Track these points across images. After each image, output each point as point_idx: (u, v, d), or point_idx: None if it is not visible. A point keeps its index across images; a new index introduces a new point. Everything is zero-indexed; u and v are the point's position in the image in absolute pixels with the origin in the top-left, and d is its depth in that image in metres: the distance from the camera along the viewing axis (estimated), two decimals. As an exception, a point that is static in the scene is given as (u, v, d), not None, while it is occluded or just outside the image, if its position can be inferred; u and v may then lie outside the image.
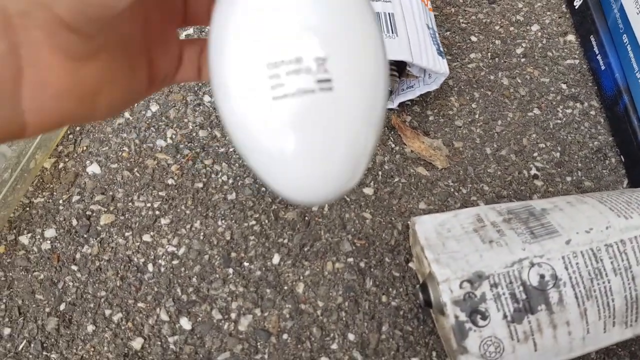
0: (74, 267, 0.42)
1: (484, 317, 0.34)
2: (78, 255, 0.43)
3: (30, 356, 0.39)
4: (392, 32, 0.47)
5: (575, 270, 0.34)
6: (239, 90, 0.19)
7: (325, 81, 0.19)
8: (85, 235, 0.43)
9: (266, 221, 0.44)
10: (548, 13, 0.60)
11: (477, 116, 0.51)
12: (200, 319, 0.40)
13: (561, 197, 0.41)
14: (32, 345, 0.39)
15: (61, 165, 0.47)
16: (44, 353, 0.39)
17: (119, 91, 0.24)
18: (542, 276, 0.34)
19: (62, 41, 0.20)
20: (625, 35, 0.51)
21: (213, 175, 0.46)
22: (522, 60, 0.56)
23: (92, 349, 0.39)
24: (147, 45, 0.26)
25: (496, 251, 0.36)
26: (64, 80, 0.21)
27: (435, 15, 0.59)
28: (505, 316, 0.34)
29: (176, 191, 0.45)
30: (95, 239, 0.43)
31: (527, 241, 0.36)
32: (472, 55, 0.56)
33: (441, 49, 0.49)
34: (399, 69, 0.49)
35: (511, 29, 0.59)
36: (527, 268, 0.34)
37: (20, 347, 0.39)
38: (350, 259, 0.43)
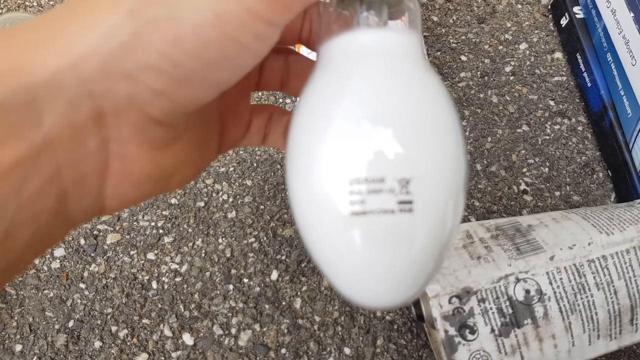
0: (82, 285, 0.44)
1: (473, 332, 0.36)
2: (86, 274, 0.44)
3: (40, 372, 0.41)
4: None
5: (560, 285, 0.36)
6: (318, 196, 0.20)
7: (406, 203, 0.18)
8: (92, 254, 0.45)
9: (265, 238, 0.46)
10: (536, 31, 0.62)
11: (467, 133, 0.53)
12: (202, 334, 0.42)
13: (547, 213, 0.43)
14: (41, 361, 0.41)
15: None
16: (53, 369, 0.41)
17: (192, 167, 0.25)
18: (527, 291, 0.36)
19: (149, 135, 0.21)
20: (609, 53, 0.53)
21: (214, 195, 0.48)
22: (511, 78, 0.58)
23: (99, 365, 0.41)
24: (220, 118, 0.27)
25: (484, 267, 0.37)
26: (146, 169, 0.22)
27: (426, 36, 0.61)
28: (492, 330, 0.36)
29: (179, 210, 0.47)
30: (102, 257, 0.45)
31: (513, 257, 0.37)
32: (462, 74, 0.58)
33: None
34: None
35: (500, 47, 0.60)
36: (513, 283, 0.36)
37: (30, 363, 0.41)
38: (346, 275, 0.45)
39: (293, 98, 0.54)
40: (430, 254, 0.20)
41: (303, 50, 0.47)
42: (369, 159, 0.19)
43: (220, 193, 0.48)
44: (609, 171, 0.52)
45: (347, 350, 0.42)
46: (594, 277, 0.36)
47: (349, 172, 0.19)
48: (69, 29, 0.18)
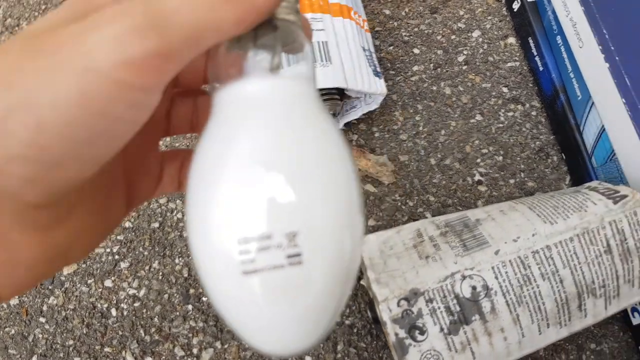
0: (42, 319, 0.44)
1: (422, 332, 0.36)
2: (45, 307, 0.45)
3: (6, 409, 0.41)
4: (326, 60, 0.48)
5: (505, 279, 0.36)
6: (212, 253, 0.20)
7: (294, 256, 0.19)
8: (50, 287, 0.45)
9: (222, 254, 0.46)
10: (489, 17, 0.62)
11: (421, 128, 0.53)
12: (164, 357, 0.42)
13: (496, 205, 0.43)
14: (7, 397, 0.42)
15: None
16: (19, 404, 0.41)
17: (95, 235, 0.24)
18: (473, 287, 0.36)
19: (30, 220, 0.20)
20: (558, 36, 0.53)
21: (168, 214, 0.48)
22: (464, 67, 0.58)
23: (64, 396, 0.41)
24: (126, 175, 0.26)
25: (431, 266, 0.38)
26: (35, 252, 0.21)
27: (378, 30, 0.61)
28: (442, 329, 0.36)
29: (134, 233, 0.47)
30: (60, 289, 0.45)
31: (459, 254, 0.37)
32: (415, 68, 0.58)
33: (378, 69, 0.51)
34: (340, 92, 0.51)
35: (452, 37, 0.60)
36: (459, 281, 0.36)
37: (-4, 400, 0.41)
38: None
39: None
40: (328, 298, 0.20)
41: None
42: (255, 216, 0.19)
43: (175, 212, 0.48)
44: (563, 154, 0.52)
45: (308, 359, 0.42)
46: (539, 268, 0.36)
47: (238, 231, 0.19)
48: None
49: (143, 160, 0.25)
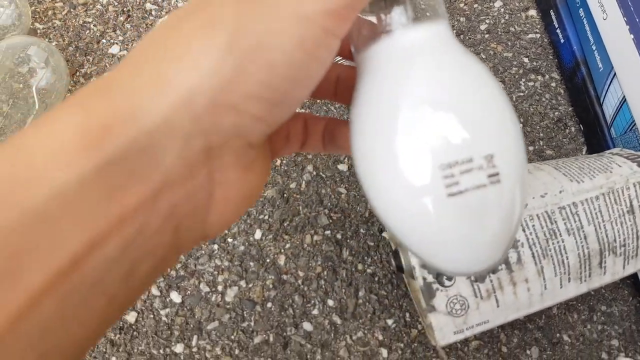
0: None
1: (450, 278, 0.37)
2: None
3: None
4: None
5: (532, 232, 0.37)
6: (407, 188, 0.21)
7: (494, 175, 0.21)
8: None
9: (247, 199, 0.47)
10: (511, -11, 0.63)
11: (444, 92, 0.54)
12: (189, 292, 0.43)
13: (521, 165, 0.44)
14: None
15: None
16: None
17: (265, 180, 0.26)
18: (501, 238, 0.37)
19: (245, 158, 0.22)
20: (581, 9, 0.54)
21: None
22: (486, 36, 0.59)
23: (89, 324, 0.42)
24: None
25: (460, 217, 0.39)
26: (240, 190, 0.23)
27: (402, -5, 0.62)
28: (469, 276, 0.37)
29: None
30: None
31: (488, 207, 0.39)
32: (439, 33, 0.58)
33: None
34: None
35: (475, 6, 0.61)
36: (488, 232, 0.37)
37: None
38: (328, 232, 0.46)
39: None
40: (515, 218, 0.22)
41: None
42: (452, 144, 0.20)
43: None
44: (580, 125, 0.53)
45: (330, 302, 0.43)
46: (565, 223, 0.37)
47: (438, 159, 0.20)
48: (171, 69, 0.19)
49: None
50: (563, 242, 0.37)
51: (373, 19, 0.24)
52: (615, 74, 0.49)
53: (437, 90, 0.21)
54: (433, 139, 0.21)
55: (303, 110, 0.51)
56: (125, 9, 0.56)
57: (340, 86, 0.30)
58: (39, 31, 0.54)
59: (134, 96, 0.19)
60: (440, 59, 0.23)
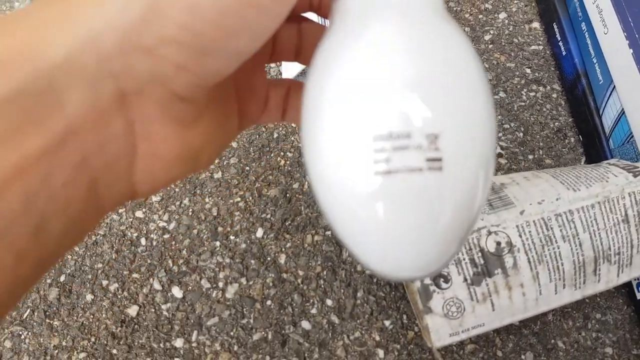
0: (72, 242, 0.45)
1: (447, 281, 0.38)
2: (76, 231, 0.46)
3: (35, 323, 0.42)
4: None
5: (528, 238, 0.38)
6: (337, 157, 0.18)
7: (435, 160, 0.17)
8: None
9: (250, 198, 0.48)
10: (515, 1, 0.64)
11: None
12: (190, 287, 0.44)
13: (519, 172, 0.45)
14: (35, 313, 0.43)
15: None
16: (47, 320, 0.43)
17: (218, 144, 0.24)
18: (498, 243, 0.38)
19: (174, 112, 0.20)
20: (583, 23, 0.55)
21: (200, 156, 0.50)
22: (490, 46, 0.60)
23: (92, 316, 0.43)
24: (237, 92, 0.25)
25: (459, 222, 0.39)
26: (173, 149, 0.21)
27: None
28: (465, 279, 0.38)
29: (166, 171, 0.49)
30: (92, 216, 0.47)
31: (485, 212, 0.39)
32: (443, 42, 0.59)
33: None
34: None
35: (480, 16, 0.62)
36: (485, 236, 0.38)
37: (25, 315, 0.43)
38: (329, 232, 0.47)
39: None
40: (460, 220, 0.18)
41: (314, 17, 0.48)
42: (394, 114, 0.17)
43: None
44: (580, 136, 0.54)
45: (329, 302, 0.44)
46: (561, 230, 0.38)
47: (373, 128, 0.17)
48: (77, 6, 0.17)
49: (252, 79, 0.25)
50: (558, 248, 0.38)
51: None
52: (614, 86, 0.50)
53: (395, 56, 0.18)
54: (373, 105, 0.17)
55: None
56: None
57: (304, 45, 0.27)
58: None
59: (36, 32, 0.17)
60: (409, 20, 0.19)
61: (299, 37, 0.27)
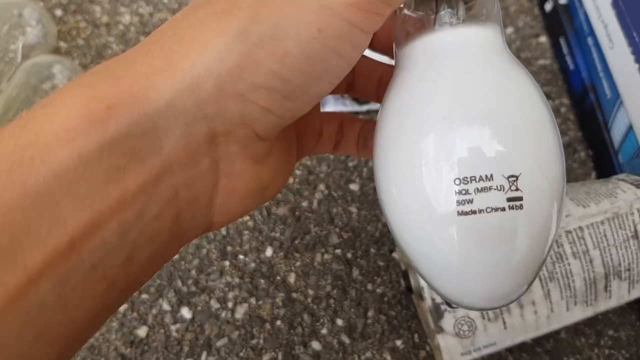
0: (83, 263, 0.46)
1: (458, 301, 0.38)
2: (86, 252, 0.46)
3: (45, 345, 0.42)
4: None
5: (539, 255, 0.38)
6: (420, 197, 0.19)
7: (516, 199, 0.18)
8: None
9: (259, 217, 0.48)
10: (522, 16, 0.64)
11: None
12: (199, 308, 0.44)
13: (529, 189, 0.45)
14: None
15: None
16: (57, 342, 0.43)
17: (283, 176, 0.26)
18: (509, 261, 0.38)
19: (251, 150, 0.22)
20: (589, 37, 0.55)
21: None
22: (497, 62, 0.60)
23: (101, 337, 0.43)
24: (296, 126, 0.27)
25: (468, 239, 0.39)
26: (248, 183, 0.23)
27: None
28: (476, 298, 0.38)
29: (175, 191, 0.49)
30: (101, 237, 0.47)
31: (495, 230, 0.39)
32: (450, 58, 0.59)
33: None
34: None
35: (486, 32, 0.62)
36: (496, 254, 0.38)
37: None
38: (338, 250, 0.47)
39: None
40: (535, 254, 0.19)
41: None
42: (474, 157, 0.18)
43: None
44: (589, 151, 0.54)
45: (339, 322, 0.44)
46: (571, 247, 0.38)
47: (455, 171, 0.18)
48: (179, 55, 0.19)
49: (308, 115, 0.27)
50: (569, 265, 0.38)
51: (419, 14, 0.23)
52: (622, 101, 0.50)
53: (470, 98, 0.20)
54: (455, 149, 0.19)
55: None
56: (146, 29, 0.58)
57: (383, 87, 0.29)
58: (63, 50, 0.55)
59: (140, 78, 0.19)
60: (480, 65, 0.21)
61: (351, 72, 0.28)
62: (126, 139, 0.18)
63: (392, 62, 0.28)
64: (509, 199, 0.18)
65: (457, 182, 0.18)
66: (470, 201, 0.18)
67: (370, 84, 0.29)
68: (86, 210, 0.17)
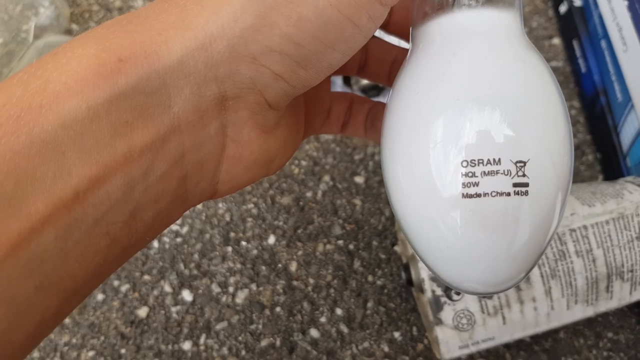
0: (86, 242, 0.46)
1: (458, 292, 0.38)
2: (90, 232, 0.46)
3: (45, 321, 0.43)
4: None
5: (542, 252, 0.38)
6: (426, 177, 0.19)
7: (522, 185, 0.18)
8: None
9: (263, 205, 0.48)
10: (535, 17, 0.64)
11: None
12: (200, 291, 0.44)
13: (535, 187, 0.45)
14: (47, 311, 0.43)
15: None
16: (58, 319, 0.43)
17: (289, 151, 0.25)
18: (511, 256, 0.38)
19: (260, 118, 0.21)
20: (603, 40, 0.55)
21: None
22: (508, 61, 0.59)
23: (102, 316, 0.43)
24: (305, 103, 0.27)
25: (471, 234, 0.39)
26: (254, 152, 0.22)
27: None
28: (476, 291, 0.37)
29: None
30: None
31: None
32: (461, 56, 0.59)
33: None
34: None
35: (499, 32, 0.62)
36: (498, 249, 0.38)
37: (36, 312, 0.43)
38: (340, 242, 0.47)
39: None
40: (536, 242, 0.19)
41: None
42: (483, 141, 0.18)
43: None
44: (597, 154, 0.54)
45: (338, 311, 0.44)
46: (575, 245, 0.38)
47: (463, 153, 0.18)
48: (193, 13, 0.19)
49: (318, 90, 0.26)
50: (572, 263, 0.38)
51: None
52: (632, 105, 0.49)
53: (484, 81, 0.19)
54: (464, 132, 0.18)
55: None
56: (157, 15, 0.58)
57: (395, 70, 0.28)
58: (75, 32, 0.56)
59: (153, 34, 0.18)
60: (496, 48, 0.20)
61: (364, 53, 0.28)
62: (135, 93, 0.18)
63: (406, 46, 0.27)
64: (515, 184, 0.18)
65: (465, 164, 0.18)
66: (476, 184, 0.18)
67: (382, 66, 0.29)
68: (92, 163, 0.17)
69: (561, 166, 0.19)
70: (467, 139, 0.18)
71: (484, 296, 0.35)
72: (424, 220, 0.20)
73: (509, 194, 0.18)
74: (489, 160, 0.18)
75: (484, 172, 0.18)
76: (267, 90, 0.20)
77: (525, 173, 0.18)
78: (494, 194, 0.18)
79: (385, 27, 0.27)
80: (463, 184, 0.18)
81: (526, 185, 0.18)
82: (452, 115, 0.19)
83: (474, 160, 0.18)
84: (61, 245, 0.17)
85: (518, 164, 0.18)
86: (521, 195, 0.18)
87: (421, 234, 0.21)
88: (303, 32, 0.19)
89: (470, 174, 0.18)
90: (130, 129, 0.18)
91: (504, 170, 0.18)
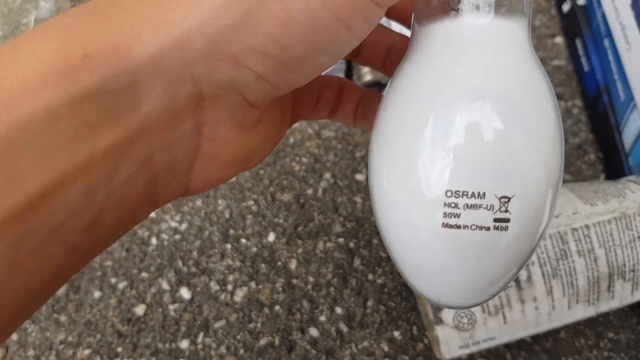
0: (84, 239, 0.46)
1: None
2: (88, 228, 0.46)
3: (42, 317, 0.42)
4: None
5: (543, 251, 0.37)
6: (407, 198, 0.19)
7: (503, 221, 0.18)
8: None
9: (263, 202, 0.48)
10: (539, 16, 0.63)
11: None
12: (199, 289, 0.44)
13: (536, 186, 0.44)
14: (43, 307, 0.43)
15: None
16: (54, 315, 0.43)
17: (271, 145, 0.24)
18: (512, 255, 0.37)
19: (241, 117, 0.20)
20: (606, 39, 0.54)
21: (215, 159, 0.50)
22: (510, 60, 0.59)
23: (99, 313, 0.43)
24: (293, 91, 0.25)
25: (472, 232, 0.39)
26: (232, 150, 0.21)
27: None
28: (477, 291, 0.37)
29: (180, 172, 0.49)
30: (104, 213, 0.47)
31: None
32: (463, 54, 0.59)
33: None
34: None
35: (501, 30, 0.62)
36: (499, 248, 0.38)
37: (33, 309, 0.43)
38: (341, 239, 0.46)
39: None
40: (510, 269, 0.20)
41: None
42: (470, 172, 0.18)
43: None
44: (599, 153, 0.53)
45: (338, 310, 0.43)
46: (576, 245, 0.37)
47: (447, 183, 0.18)
48: (171, 5, 0.17)
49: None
50: (573, 263, 0.37)
51: None
52: (635, 104, 0.49)
53: (478, 104, 0.18)
54: (452, 159, 0.18)
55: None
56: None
57: (391, 57, 0.27)
58: (73, 27, 0.55)
59: (124, 26, 0.17)
60: (495, 57, 0.19)
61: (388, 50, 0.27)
62: (101, 93, 0.16)
63: (403, 32, 0.26)
64: (496, 220, 0.18)
65: (449, 194, 0.18)
66: (457, 216, 0.18)
67: (378, 52, 0.27)
68: (49, 168, 0.16)
69: (544, 204, 0.19)
70: (453, 168, 0.18)
71: (462, 309, 0.36)
72: (405, 237, 0.20)
73: (488, 229, 0.18)
74: (473, 193, 0.18)
75: (467, 204, 0.18)
76: (248, 90, 0.19)
77: (509, 209, 0.18)
78: (473, 227, 0.18)
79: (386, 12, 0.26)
80: (445, 213, 0.18)
81: (507, 220, 0.18)
82: (443, 140, 0.18)
83: (458, 192, 0.18)
84: (12, 256, 0.16)
85: (502, 199, 0.18)
86: (501, 230, 0.18)
87: (400, 247, 0.21)
88: (291, 34, 0.17)
89: (452, 205, 0.18)
90: (93, 131, 0.16)
91: (486, 205, 0.18)
